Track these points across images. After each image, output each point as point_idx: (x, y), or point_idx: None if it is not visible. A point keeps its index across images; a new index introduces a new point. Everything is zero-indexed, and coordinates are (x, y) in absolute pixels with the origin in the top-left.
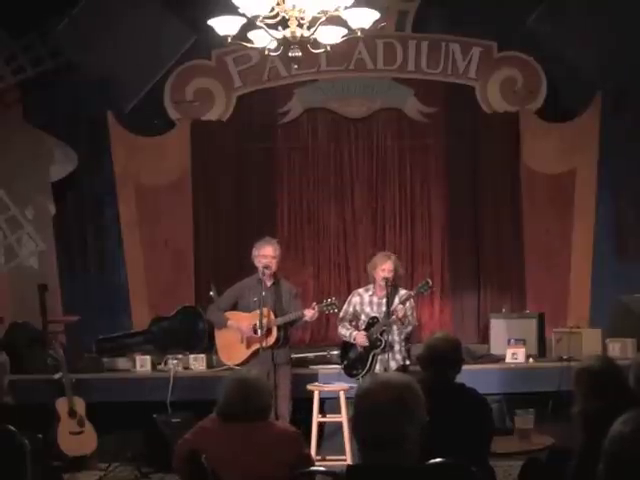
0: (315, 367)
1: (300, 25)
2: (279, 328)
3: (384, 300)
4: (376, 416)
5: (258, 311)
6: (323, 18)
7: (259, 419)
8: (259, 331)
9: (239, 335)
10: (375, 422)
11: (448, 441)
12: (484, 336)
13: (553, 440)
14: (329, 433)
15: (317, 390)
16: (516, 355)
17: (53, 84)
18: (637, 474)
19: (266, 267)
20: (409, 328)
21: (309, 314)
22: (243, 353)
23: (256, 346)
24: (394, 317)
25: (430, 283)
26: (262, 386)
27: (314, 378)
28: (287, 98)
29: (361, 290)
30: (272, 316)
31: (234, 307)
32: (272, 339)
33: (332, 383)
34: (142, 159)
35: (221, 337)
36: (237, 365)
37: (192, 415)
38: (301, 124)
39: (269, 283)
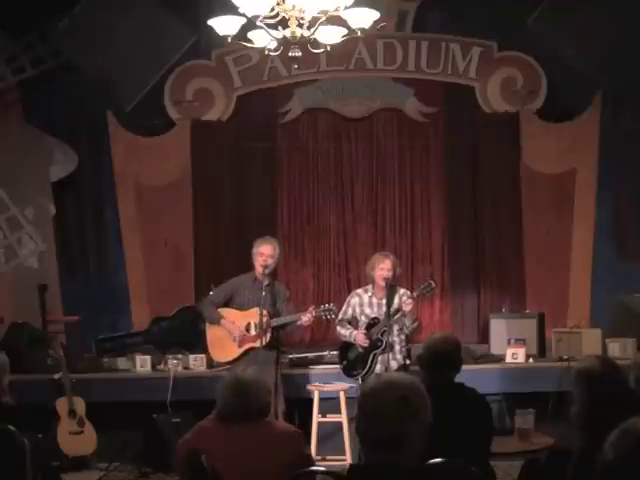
0: (315, 367)
1: (300, 25)
2: (273, 329)
3: (384, 301)
4: (380, 416)
5: (252, 310)
6: (323, 18)
7: (257, 418)
8: (253, 331)
9: (231, 334)
10: (379, 422)
11: (448, 441)
12: (484, 336)
13: (553, 440)
14: (329, 433)
15: (317, 390)
16: (516, 355)
17: (53, 84)
18: None
19: (265, 266)
20: (416, 324)
21: (305, 318)
22: (235, 351)
23: (248, 345)
24: (400, 313)
25: (433, 285)
26: (258, 384)
27: (314, 378)
28: (287, 98)
29: (360, 291)
30: (268, 317)
31: (228, 302)
32: (267, 339)
33: (332, 383)
34: (142, 159)
35: (213, 333)
36: (228, 363)
37: (192, 415)
38: (301, 124)
39: (265, 283)
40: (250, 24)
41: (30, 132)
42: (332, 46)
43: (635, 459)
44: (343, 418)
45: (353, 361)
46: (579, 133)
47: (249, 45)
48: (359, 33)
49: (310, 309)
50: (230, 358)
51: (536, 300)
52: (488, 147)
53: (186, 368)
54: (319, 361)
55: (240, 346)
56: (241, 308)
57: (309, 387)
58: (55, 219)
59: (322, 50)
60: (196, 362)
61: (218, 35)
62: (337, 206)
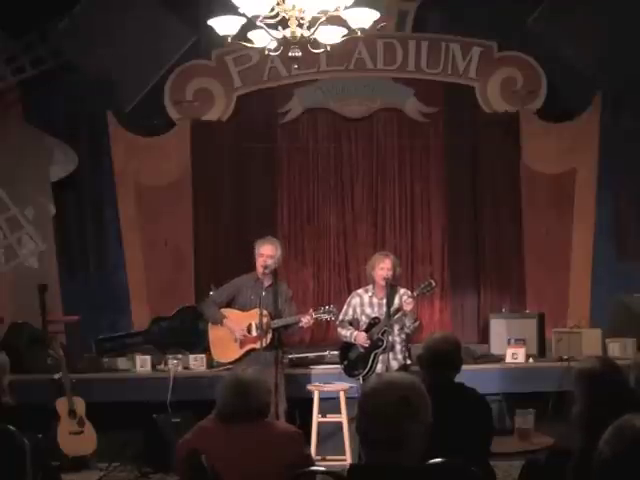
0: (315, 367)
1: (300, 25)
2: (274, 330)
3: (384, 300)
4: (380, 416)
5: (254, 310)
6: (323, 18)
7: (257, 418)
8: (254, 332)
9: (233, 334)
10: (379, 422)
11: (448, 441)
12: (484, 336)
13: (553, 440)
14: (329, 433)
15: (317, 390)
16: (516, 355)
17: (53, 84)
18: None
19: (265, 266)
20: (417, 323)
21: (304, 320)
22: (236, 352)
23: (250, 346)
24: (401, 313)
25: (434, 284)
26: (258, 384)
27: (314, 378)
28: (287, 98)
29: (360, 291)
30: (268, 318)
31: (230, 302)
32: (267, 340)
33: (332, 383)
34: (142, 159)
35: (215, 333)
36: (230, 363)
37: (192, 415)
38: (301, 124)
39: (267, 283)
40: (250, 24)
41: (30, 132)
42: (332, 46)
43: (631, 455)
44: (343, 418)
45: (354, 361)
46: (579, 133)
47: (249, 45)
48: (359, 33)
49: (310, 311)
50: (232, 358)
51: (536, 300)
52: (488, 147)
53: (186, 368)
54: (319, 361)
55: (241, 347)
56: (243, 309)
57: (309, 387)
58: (55, 219)
59: (322, 50)
60: (196, 362)
61: (218, 35)
62: (337, 206)
